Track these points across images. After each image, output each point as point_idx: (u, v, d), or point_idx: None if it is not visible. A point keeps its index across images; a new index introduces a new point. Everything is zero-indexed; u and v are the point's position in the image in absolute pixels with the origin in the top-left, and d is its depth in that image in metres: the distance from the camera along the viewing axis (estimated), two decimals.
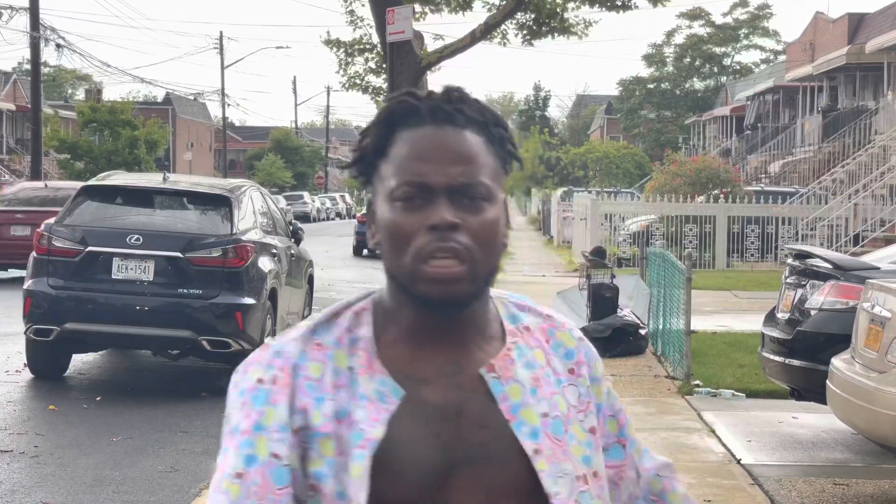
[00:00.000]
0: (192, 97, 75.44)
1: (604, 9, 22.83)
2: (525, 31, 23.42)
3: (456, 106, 1.71)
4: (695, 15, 72.14)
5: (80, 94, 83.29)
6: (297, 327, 1.76)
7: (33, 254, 11.30)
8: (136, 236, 10.99)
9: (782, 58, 58.08)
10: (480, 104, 1.74)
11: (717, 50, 72.60)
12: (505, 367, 1.72)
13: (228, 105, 67.25)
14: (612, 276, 14.23)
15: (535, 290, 20.82)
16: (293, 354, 1.70)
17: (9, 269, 21.45)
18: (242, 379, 1.72)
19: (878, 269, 8.91)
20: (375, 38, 23.92)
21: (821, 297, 8.88)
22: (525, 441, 1.68)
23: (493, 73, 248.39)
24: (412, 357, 1.71)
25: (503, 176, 1.75)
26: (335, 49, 25.05)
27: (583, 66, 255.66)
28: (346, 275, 26.27)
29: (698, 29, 72.63)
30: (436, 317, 1.70)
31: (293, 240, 13.34)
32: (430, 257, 1.65)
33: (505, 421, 1.69)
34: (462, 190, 1.67)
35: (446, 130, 1.69)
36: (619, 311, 13.58)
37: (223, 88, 64.89)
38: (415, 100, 1.72)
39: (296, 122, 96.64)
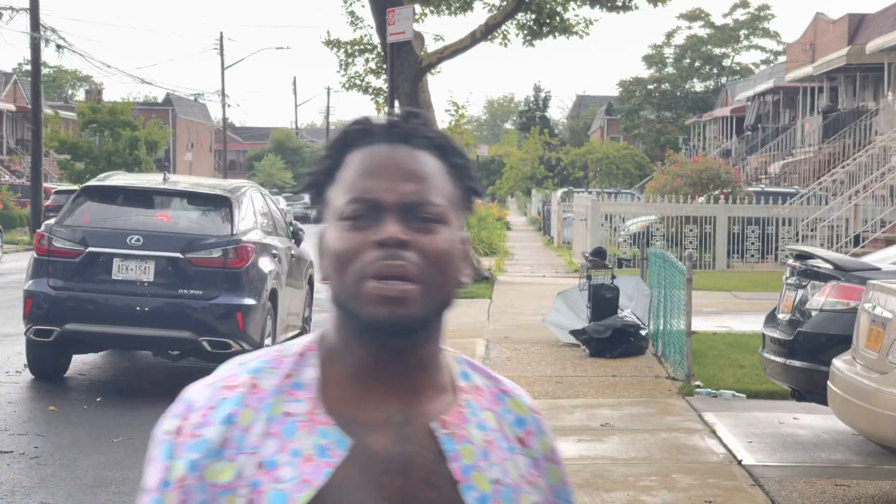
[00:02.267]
0: (192, 98, 75.56)
1: (604, 9, 22.84)
2: (525, 32, 23.45)
3: (413, 126, 1.63)
4: (694, 16, 72.15)
5: (81, 95, 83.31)
6: (232, 370, 1.62)
7: (33, 254, 11.30)
8: (137, 237, 10.99)
9: (782, 58, 58.08)
10: (441, 132, 1.66)
11: (717, 51, 72.61)
12: (458, 424, 1.61)
13: (229, 106, 67.37)
14: (613, 277, 14.23)
15: (535, 291, 20.81)
16: (210, 399, 1.58)
17: None
18: (157, 428, 1.61)
19: (879, 269, 8.90)
20: (376, 39, 23.94)
21: (821, 298, 8.87)
22: None
23: (494, 73, 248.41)
24: (359, 400, 1.59)
25: (462, 208, 1.65)
26: (335, 49, 25.07)
27: (583, 67, 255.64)
28: None
29: (698, 30, 72.65)
30: (384, 354, 1.59)
31: (293, 240, 13.33)
32: (375, 275, 1.54)
33: (454, 482, 1.57)
34: (413, 208, 1.57)
35: (400, 149, 1.61)
36: (619, 311, 13.57)
37: (223, 89, 64.96)
38: (370, 122, 1.65)
39: (296, 122, 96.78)
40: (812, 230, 25.88)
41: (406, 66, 21.46)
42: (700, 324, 13.84)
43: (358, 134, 1.63)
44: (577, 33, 23.25)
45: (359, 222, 1.57)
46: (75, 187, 28.80)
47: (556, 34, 23.32)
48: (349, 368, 1.60)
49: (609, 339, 13.04)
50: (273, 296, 11.68)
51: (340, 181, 1.61)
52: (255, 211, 12.08)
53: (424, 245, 1.57)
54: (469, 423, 1.62)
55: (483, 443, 1.61)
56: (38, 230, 11.68)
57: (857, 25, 39.15)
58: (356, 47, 24.98)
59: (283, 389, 1.58)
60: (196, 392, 1.60)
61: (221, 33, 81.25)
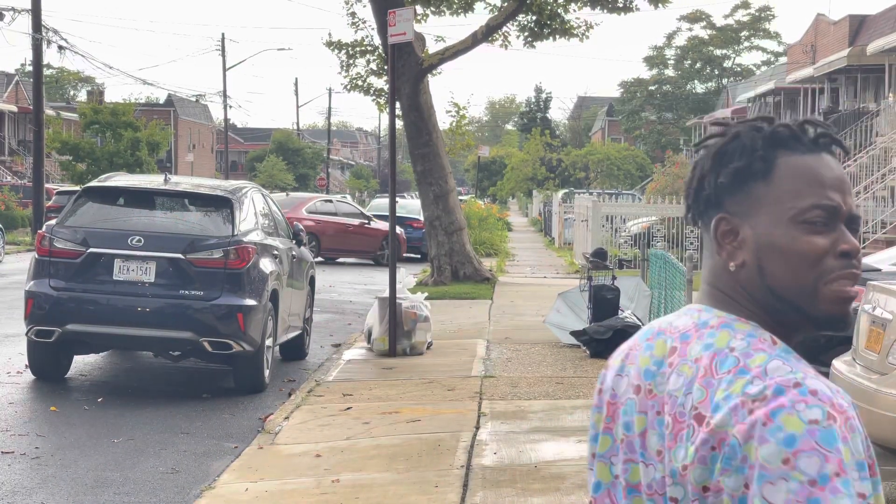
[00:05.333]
0: (193, 99, 75.49)
1: (605, 10, 22.84)
2: (526, 33, 23.44)
3: (833, 138, 1.83)
4: (695, 17, 72.20)
5: (83, 96, 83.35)
6: (798, 375, 1.73)
7: (35, 255, 11.32)
8: (138, 237, 11.00)
9: (783, 59, 58.10)
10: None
11: (718, 52, 72.64)
12: None
13: (230, 107, 67.30)
14: (613, 278, 14.23)
15: (536, 292, 20.82)
16: (837, 392, 1.77)
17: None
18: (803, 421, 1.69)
19: (880, 270, 8.92)
20: (377, 40, 23.94)
21: None
22: None
23: (495, 74, 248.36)
24: None
25: None
26: (337, 51, 25.07)
27: (584, 69, 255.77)
28: (346, 276, 26.27)
29: (699, 31, 72.69)
30: (798, 342, 1.83)
31: (294, 241, 13.35)
32: (836, 279, 1.78)
33: None
34: (852, 222, 1.81)
35: (833, 160, 1.82)
36: (619, 312, 13.58)
37: (225, 90, 64.89)
38: (794, 128, 1.83)
39: (297, 123, 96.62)
40: None
41: (407, 68, 21.48)
42: None
43: (786, 137, 1.82)
44: (577, 35, 23.25)
45: (817, 227, 1.78)
46: (77, 188, 28.82)
47: (557, 36, 23.31)
48: None
49: (609, 339, 13.05)
50: (274, 296, 11.70)
51: (782, 182, 1.80)
52: (255, 212, 12.09)
53: (859, 255, 1.83)
54: None
55: None
56: (39, 231, 11.70)
57: (858, 27, 39.16)
58: (357, 48, 24.98)
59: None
60: (817, 384, 1.71)
61: (223, 34, 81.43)
